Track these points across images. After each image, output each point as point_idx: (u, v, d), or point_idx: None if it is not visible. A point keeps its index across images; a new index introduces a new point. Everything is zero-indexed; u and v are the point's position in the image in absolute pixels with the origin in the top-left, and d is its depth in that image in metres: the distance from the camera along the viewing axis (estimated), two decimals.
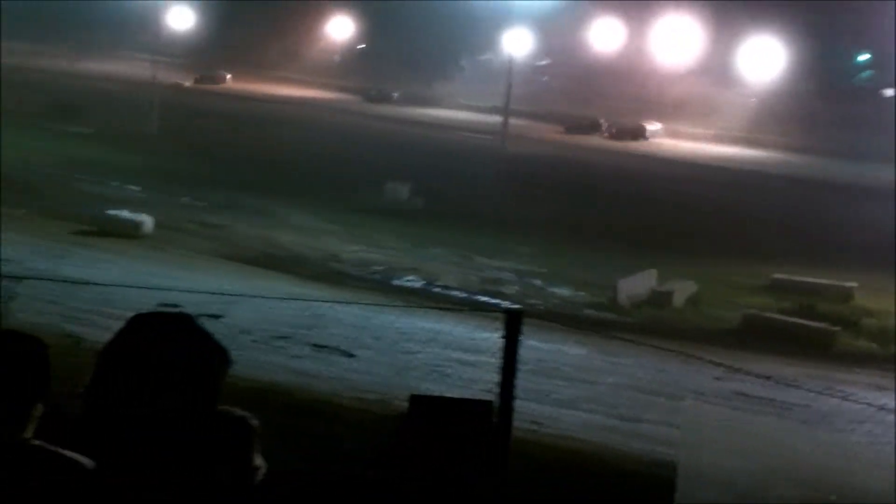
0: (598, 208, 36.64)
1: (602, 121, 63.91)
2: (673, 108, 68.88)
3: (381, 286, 24.96)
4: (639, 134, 61.29)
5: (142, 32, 72.94)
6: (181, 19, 78.28)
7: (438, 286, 25.97)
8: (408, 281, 26.20)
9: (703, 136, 65.45)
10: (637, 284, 26.33)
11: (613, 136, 61.20)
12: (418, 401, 7.23)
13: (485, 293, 25.65)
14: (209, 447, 2.44)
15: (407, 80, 76.68)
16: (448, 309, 19.50)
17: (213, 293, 15.16)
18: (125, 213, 27.55)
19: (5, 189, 31.44)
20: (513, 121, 54.59)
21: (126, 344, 2.43)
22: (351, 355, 14.61)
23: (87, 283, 15.56)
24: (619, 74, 70.49)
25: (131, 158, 40.96)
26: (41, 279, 13.65)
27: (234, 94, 71.55)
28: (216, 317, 15.80)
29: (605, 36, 73.58)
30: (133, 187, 34.87)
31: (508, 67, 49.33)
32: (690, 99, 69.32)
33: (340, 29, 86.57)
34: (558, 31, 69.63)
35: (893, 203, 37.10)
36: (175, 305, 15.81)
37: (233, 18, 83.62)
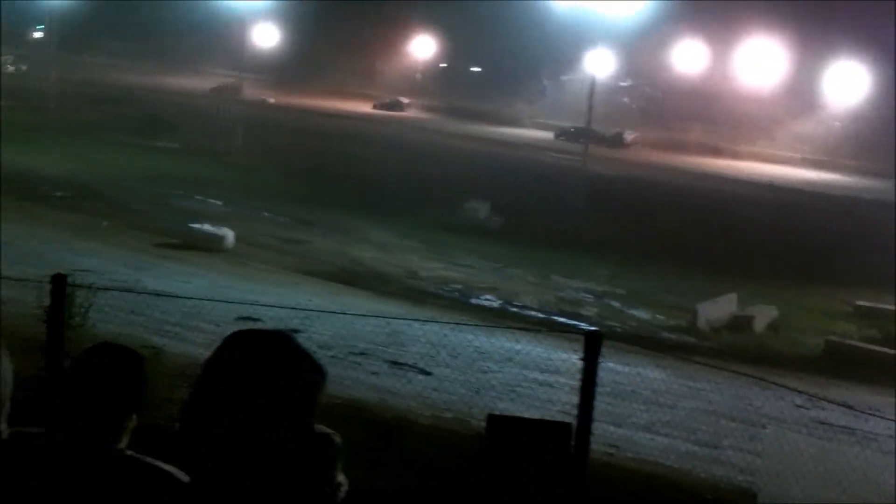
0: (676, 229, 36.27)
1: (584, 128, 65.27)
2: (756, 131, 68.20)
3: (458, 304, 24.96)
4: (616, 142, 67.31)
5: (226, 49, 74.20)
6: (265, 37, 79.31)
7: (516, 305, 25.91)
8: (486, 300, 26.18)
9: (787, 159, 64.67)
10: (717, 308, 26.01)
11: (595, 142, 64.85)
12: (496, 421, 7.19)
13: (562, 314, 25.52)
14: (298, 464, 2.44)
15: (490, 99, 76.88)
16: (526, 329, 19.40)
17: (293, 308, 15.27)
18: (207, 227, 27.90)
19: (95, 200, 32.13)
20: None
21: (224, 360, 2.44)
22: (428, 373, 14.60)
23: (167, 295, 15.77)
24: (699, 96, 70.04)
25: (214, 173, 41.58)
26: (122, 290, 13.85)
27: (315, 110, 72.21)
28: (295, 331, 15.92)
29: (687, 58, 73.11)
30: (215, 201, 35.36)
31: (590, 88, 49.17)
32: (774, 121, 68.53)
33: (423, 48, 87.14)
34: (641, 53, 69.34)
35: None
36: (255, 319, 15.99)
37: (316, 36, 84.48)
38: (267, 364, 2.40)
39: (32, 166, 37.75)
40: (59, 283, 7.66)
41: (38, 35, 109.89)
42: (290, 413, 2.40)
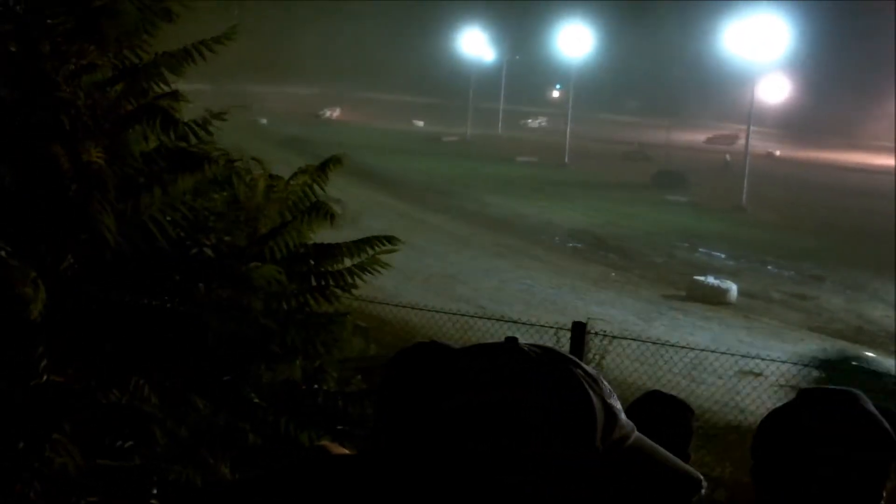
0: None
1: None
2: None
3: None
4: None
5: (730, 103, 74.64)
6: (772, 90, 78.42)
7: None
8: None
9: None
10: None
11: None
12: None
13: None
14: None
15: None
16: None
17: (795, 363, 15.23)
18: (711, 280, 28.15)
19: (608, 251, 33.63)
20: None
21: (792, 416, 2.19)
22: None
23: (670, 345, 16.31)
24: None
25: (719, 226, 41.87)
26: (629, 339, 14.57)
27: (825, 163, 70.13)
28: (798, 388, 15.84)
29: None
30: (719, 254, 35.63)
31: None
32: None
33: None
34: None
35: None
36: (757, 374, 16.15)
37: (828, 88, 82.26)
38: (834, 424, 2.10)
39: (552, 218, 40.34)
40: (579, 331, 8.45)
41: (556, 94, 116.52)
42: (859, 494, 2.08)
